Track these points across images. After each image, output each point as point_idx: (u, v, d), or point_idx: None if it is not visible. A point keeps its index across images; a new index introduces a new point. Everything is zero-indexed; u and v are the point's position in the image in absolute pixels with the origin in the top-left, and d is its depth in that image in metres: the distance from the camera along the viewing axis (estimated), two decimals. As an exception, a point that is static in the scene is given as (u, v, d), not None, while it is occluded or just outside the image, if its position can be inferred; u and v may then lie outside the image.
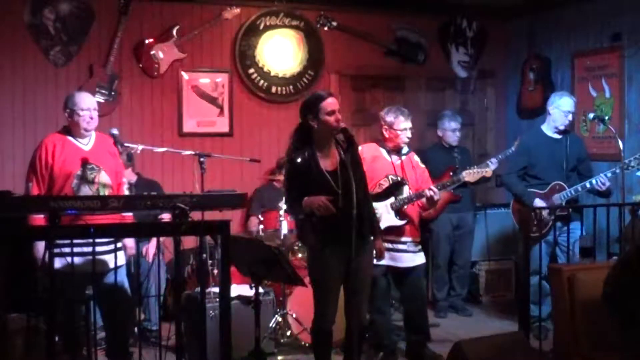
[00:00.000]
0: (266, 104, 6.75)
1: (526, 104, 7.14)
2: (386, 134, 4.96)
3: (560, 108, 5.39)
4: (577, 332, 4.07)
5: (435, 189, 4.79)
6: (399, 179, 4.88)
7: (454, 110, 6.86)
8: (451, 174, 5.80)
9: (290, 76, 6.76)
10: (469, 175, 5.01)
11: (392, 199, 4.84)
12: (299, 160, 4.07)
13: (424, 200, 4.86)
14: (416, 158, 5.09)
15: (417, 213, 5.01)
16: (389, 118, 4.95)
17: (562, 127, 5.41)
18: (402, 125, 4.92)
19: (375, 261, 4.45)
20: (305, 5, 6.81)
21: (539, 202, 5.32)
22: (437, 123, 6.49)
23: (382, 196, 4.84)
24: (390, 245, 4.83)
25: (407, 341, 5.14)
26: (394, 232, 4.86)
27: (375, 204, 4.76)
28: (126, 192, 4.64)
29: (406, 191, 4.87)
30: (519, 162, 5.50)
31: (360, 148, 4.78)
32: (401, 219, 4.85)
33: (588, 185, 5.24)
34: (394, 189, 4.86)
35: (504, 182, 5.69)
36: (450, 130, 6.30)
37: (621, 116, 6.29)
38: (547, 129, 5.49)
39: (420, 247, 5.00)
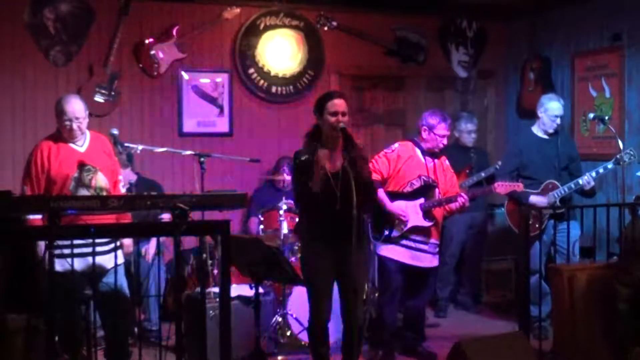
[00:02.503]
0: (266, 104, 6.75)
1: (526, 104, 7.13)
2: (424, 135, 4.98)
3: (548, 113, 5.45)
4: (577, 332, 4.07)
5: (466, 197, 4.84)
6: (431, 180, 4.91)
7: (462, 111, 6.88)
8: (467, 171, 5.82)
9: (290, 76, 6.75)
10: (500, 187, 5.01)
11: (422, 200, 4.87)
12: (303, 157, 4.10)
13: (452, 205, 4.89)
14: (447, 163, 5.13)
15: (442, 217, 5.04)
16: (432, 121, 4.95)
17: (550, 130, 5.48)
18: (442, 132, 4.94)
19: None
20: (305, 5, 6.81)
21: (534, 199, 5.34)
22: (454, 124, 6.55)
23: (412, 195, 4.88)
24: (412, 244, 4.89)
25: (403, 339, 5.17)
26: (420, 232, 4.90)
27: (405, 203, 4.83)
28: (122, 190, 4.62)
29: (436, 194, 4.91)
30: (511, 163, 5.55)
31: (396, 145, 4.87)
32: (429, 220, 4.88)
33: (573, 186, 5.30)
34: (425, 190, 4.90)
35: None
36: (467, 132, 6.34)
37: (621, 116, 6.28)
38: (538, 130, 5.55)
39: (437, 250, 5.04)
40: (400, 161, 4.89)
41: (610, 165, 5.27)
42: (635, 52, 6.16)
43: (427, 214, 4.87)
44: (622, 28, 6.27)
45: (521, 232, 4.75)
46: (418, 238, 4.90)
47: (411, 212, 4.86)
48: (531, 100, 6.99)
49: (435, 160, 5.00)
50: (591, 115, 6.11)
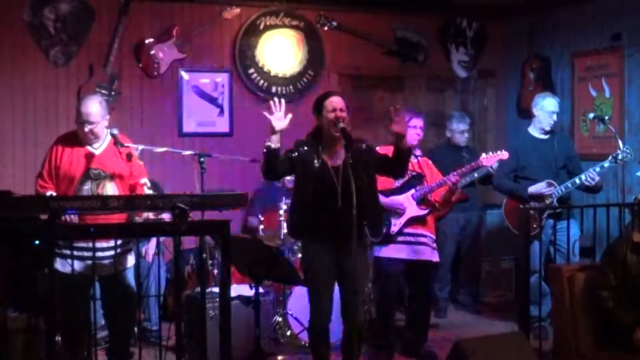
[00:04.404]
0: (266, 104, 6.73)
1: (526, 104, 7.11)
2: None
3: (544, 109, 5.46)
4: (577, 332, 4.07)
5: (456, 176, 4.88)
6: (418, 172, 4.99)
7: (462, 111, 6.90)
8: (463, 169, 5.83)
9: (290, 76, 6.75)
10: (487, 159, 5.08)
11: (412, 190, 4.94)
12: (302, 149, 4.12)
13: (443, 192, 4.95)
14: (431, 163, 5.20)
15: (434, 216, 5.11)
16: None
17: (547, 128, 5.48)
18: (412, 123, 5.01)
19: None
20: (305, 5, 6.81)
21: (533, 188, 5.35)
22: (442, 123, 6.60)
23: (402, 189, 4.95)
24: (412, 239, 4.94)
25: (404, 339, 5.17)
26: (417, 224, 4.94)
27: (397, 197, 4.89)
28: (147, 192, 4.45)
29: (425, 183, 4.98)
30: (507, 165, 5.50)
31: (377, 149, 4.87)
32: (424, 208, 4.95)
33: (578, 181, 5.30)
34: (414, 181, 4.97)
35: (494, 185, 5.73)
36: (459, 132, 6.33)
37: (621, 116, 6.29)
38: (534, 130, 5.56)
39: (435, 245, 5.06)
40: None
41: (606, 164, 5.26)
42: (635, 52, 6.16)
43: (421, 203, 4.92)
44: (622, 28, 6.28)
45: (521, 231, 4.75)
46: (415, 231, 4.94)
47: (405, 204, 4.91)
48: (531, 100, 6.98)
49: (419, 159, 5.08)
50: (591, 115, 6.11)
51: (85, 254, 4.10)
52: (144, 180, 4.48)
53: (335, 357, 4.51)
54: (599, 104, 6.51)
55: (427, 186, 4.95)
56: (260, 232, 5.74)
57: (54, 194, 4.24)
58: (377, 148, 4.80)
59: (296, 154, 4.12)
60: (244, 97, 6.67)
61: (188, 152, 5.08)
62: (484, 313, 6.38)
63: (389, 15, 7.10)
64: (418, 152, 5.13)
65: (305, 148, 4.13)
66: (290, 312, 5.17)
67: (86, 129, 4.29)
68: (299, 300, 5.12)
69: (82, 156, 4.31)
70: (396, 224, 4.89)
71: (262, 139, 6.51)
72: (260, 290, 4.30)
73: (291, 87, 6.77)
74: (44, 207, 3.37)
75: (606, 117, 6.00)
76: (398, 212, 4.89)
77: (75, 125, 4.38)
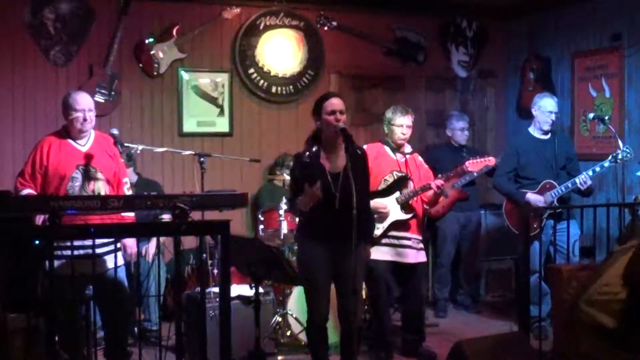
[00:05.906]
0: (266, 104, 6.75)
1: (526, 104, 7.11)
2: (386, 130, 5.07)
3: (542, 109, 5.46)
4: (577, 332, 4.07)
5: (441, 180, 4.84)
6: (404, 174, 4.93)
7: (462, 111, 6.92)
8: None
9: (290, 76, 6.75)
10: (472, 165, 5.08)
11: (397, 194, 4.90)
12: (303, 160, 4.13)
13: (429, 194, 4.91)
14: (420, 159, 5.16)
15: (422, 211, 5.04)
16: (389, 114, 5.06)
17: (546, 128, 5.48)
18: (398, 121, 4.99)
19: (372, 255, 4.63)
20: (305, 5, 6.81)
21: (531, 197, 5.35)
22: (442, 123, 6.65)
23: (387, 191, 4.91)
24: (395, 242, 4.91)
25: (402, 339, 5.17)
26: (400, 227, 4.91)
27: (381, 200, 4.81)
28: (127, 192, 4.58)
29: (411, 186, 4.93)
30: (507, 164, 5.53)
31: (364, 147, 4.84)
32: (407, 212, 4.90)
33: (571, 184, 5.28)
34: (399, 183, 4.93)
35: (494, 184, 5.73)
36: (459, 130, 6.35)
37: (621, 116, 6.29)
38: (534, 130, 5.57)
39: (422, 245, 5.04)
40: (369, 160, 4.82)
41: (606, 164, 5.26)
42: (635, 52, 6.16)
43: (404, 206, 4.90)
44: (622, 28, 6.28)
45: (521, 232, 4.75)
46: (399, 234, 4.92)
47: (389, 207, 4.89)
48: (531, 100, 6.98)
49: (407, 157, 5.04)
50: (591, 115, 6.11)
51: (66, 252, 4.07)
52: (125, 179, 4.55)
53: (335, 357, 4.51)
54: (599, 104, 6.51)
55: (412, 190, 4.89)
56: (261, 232, 5.74)
57: (32, 192, 4.24)
58: (365, 146, 4.78)
59: (298, 171, 4.18)
60: (244, 97, 6.67)
61: (188, 152, 5.08)
62: (484, 313, 6.38)
63: (389, 15, 7.10)
64: (407, 149, 5.09)
65: (305, 158, 4.13)
66: (290, 312, 5.17)
67: (87, 116, 4.30)
68: (299, 300, 5.12)
69: (70, 154, 4.31)
70: (379, 227, 4.88)
71: (262, 139, 6.65)
72: (260, 290, 4.30)
73: (291, 87, 6.77)
74: (44, 207, 3.37)
75: (606, 117, 6.01)
76: (381, 213, 4.86)
77: (68, 121, 4.36)
